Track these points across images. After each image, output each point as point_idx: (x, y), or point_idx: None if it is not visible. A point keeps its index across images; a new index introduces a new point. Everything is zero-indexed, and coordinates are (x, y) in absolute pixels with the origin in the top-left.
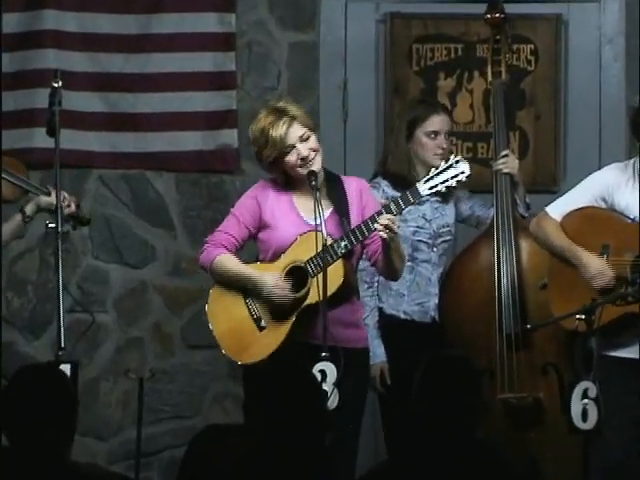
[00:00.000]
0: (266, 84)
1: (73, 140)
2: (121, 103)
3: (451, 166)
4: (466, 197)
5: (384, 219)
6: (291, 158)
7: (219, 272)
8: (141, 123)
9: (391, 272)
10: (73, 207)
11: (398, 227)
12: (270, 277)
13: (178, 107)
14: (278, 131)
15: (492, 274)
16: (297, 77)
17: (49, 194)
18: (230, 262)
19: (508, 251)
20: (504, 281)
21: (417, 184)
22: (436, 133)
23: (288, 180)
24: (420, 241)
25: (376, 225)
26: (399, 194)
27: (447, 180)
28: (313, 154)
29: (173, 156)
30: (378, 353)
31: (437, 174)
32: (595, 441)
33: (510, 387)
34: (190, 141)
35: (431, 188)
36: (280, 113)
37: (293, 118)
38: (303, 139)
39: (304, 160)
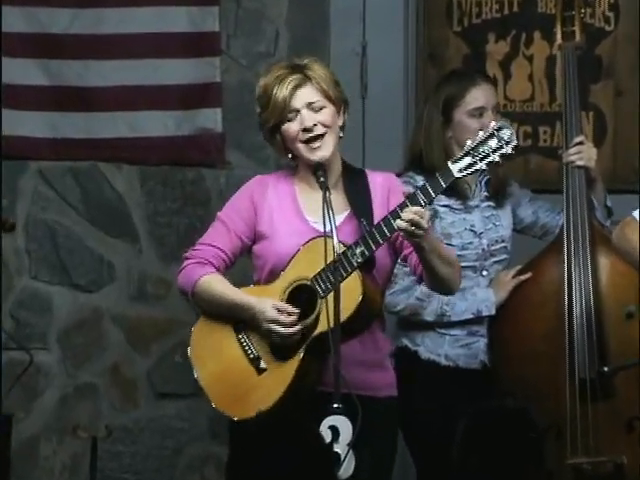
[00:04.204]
0: (259, 49)
1: (4, 122)
2: (67, 74)
3: (492, 135)
4: (527, 199)
5: (409, 212)
6: (291, 127)
7: (204, 298)
8: (93, 100)
9: (439, 283)
10: None
11: (428, 222)
12: (269, 304)
13: (143, 79)
14: (283, 90)
15: (561, 300)
16: (300, 40)
17: None
18: (219, 284)
19: (582, 270)
20: (577, 309)
21: (449, 162)
22: (481, 110)
23: (294, 161)
24: (463, 267)
25: (398, 222)
26: (441, 193)
27: (487, 155)
28: (322, 129)
29: (136, 144)
30: None
31: (473, 148)
32: None
33: (584, 449)
34: (159, 124)
35: (467, 167)
36: (294, 69)
37: (307, 78)
38: (313, 107)
39: (307, 132)
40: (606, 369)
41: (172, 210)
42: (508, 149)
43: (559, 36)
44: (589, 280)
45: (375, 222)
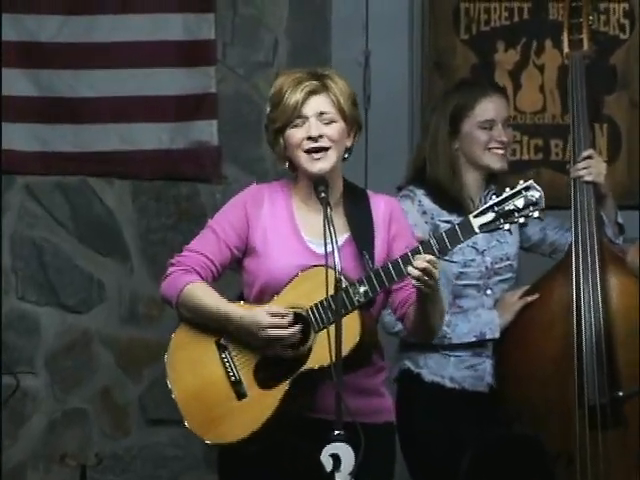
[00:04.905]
0: (257, 58)
1: None
2: (56, 84)
3: (519, 194)
4: None
5: (422, 261)
6: (296, 133)
7: (190, 307)
8: (84, 112)
9: (426, 331)
10: None
11: (439, 272)
12: (263, 313)
13: (135, 90)
14: (297, 95)
15: (570, 322)
16: (300, 49)
17: None
18: (206, 294)
19: (591, 290)
20: (586, 331)
21: (470, 216)
22: (491, 122)
23: (292, 172)
24: (466, 286)
25: (410, 269)
26: (442, 209)
27: (512, 214)
28: (327, 143)
29: (128, 157)
30: None
31: (499, 203)
32: None
33: (595, 478)
34: (152, 137)
35: (489, 224)
36: (313, 76)
37: (325, 88)
38: (323, 118)
39: (311, 141)
40: (620, 394)
41: (166, 227)
42: (534, 213)
43: (566, 44)
44: (599, 301)
45: (375, 250)
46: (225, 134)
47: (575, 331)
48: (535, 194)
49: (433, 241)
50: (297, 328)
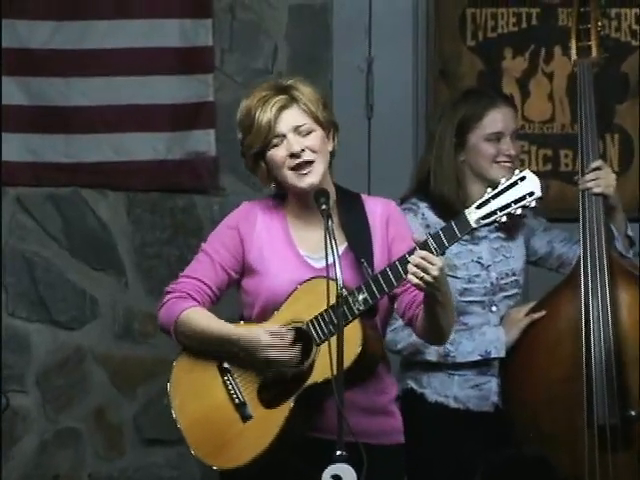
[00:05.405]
0: (256, 65)
1: None
2: (48, 92)
3: (514, 184)
4: (542, 229)
5: (417, 257)
6: (277, 153)
7: (187, 333)
8: (76, 121)
9: (436, 334)
10: None
11: (440, 269)
12: (262, 333)
13: (129, 98)
14: (268, 113)
15: (578, 339)
16: (301, 55)
17: None
18: (203, 317)
19: (601, 306)
20: (595, 348)
21: (466, 211)
22: (499, 135)
23: (280, 190)
24: (470, 302)
25: (410, 267)
26: (445, 222)
27: (509, 205)
28: (310, 155)
29: (122, 168)
30: None
31: (494, 196)
32: None
33: None
34: (147, 147)
35: (486, 217)
36: (279, 90)
37: (293, 100)
38: (300, 131)
39: (294, 158)
40: (632, 413)
41: (161, 240)
42: (531, 202)
43: (574, 51)
44: (608, 317)
45: (374, 258)
46: (223, 144)
47: (584, 348)
48: (532, 183)
49: (430, 240)
50: (297, 349)
